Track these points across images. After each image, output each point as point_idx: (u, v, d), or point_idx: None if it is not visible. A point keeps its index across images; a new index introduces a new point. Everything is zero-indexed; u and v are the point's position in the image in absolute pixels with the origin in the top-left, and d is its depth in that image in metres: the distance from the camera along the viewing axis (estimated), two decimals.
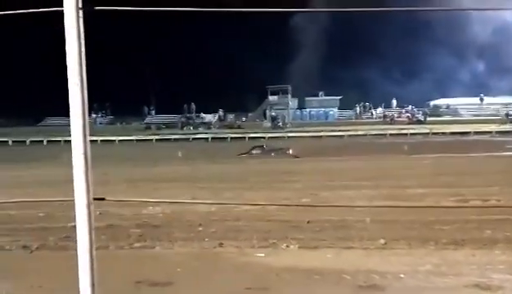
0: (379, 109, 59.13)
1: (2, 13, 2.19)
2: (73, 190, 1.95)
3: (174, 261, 6.43)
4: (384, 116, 55.32)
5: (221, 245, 7.30)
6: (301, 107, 61.02)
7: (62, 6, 1.94)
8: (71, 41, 1.91)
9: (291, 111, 57.59)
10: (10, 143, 45.58)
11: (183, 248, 7.26)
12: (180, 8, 2.26)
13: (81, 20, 1.91)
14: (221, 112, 58.17)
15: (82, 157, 1.89)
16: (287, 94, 57.18)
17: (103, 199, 1.98)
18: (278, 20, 50.52)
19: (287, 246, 7.19)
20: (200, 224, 8.62)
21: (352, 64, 56.80)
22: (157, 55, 58.15)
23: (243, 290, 5.12)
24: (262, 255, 6.70)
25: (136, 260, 6.60)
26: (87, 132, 1.91)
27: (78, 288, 1.98)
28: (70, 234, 7.49)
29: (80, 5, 1.90)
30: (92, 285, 1.95)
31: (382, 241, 7.28)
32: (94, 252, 1.94)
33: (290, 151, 29.59)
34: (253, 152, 30.42)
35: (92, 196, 1.93)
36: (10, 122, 56.16)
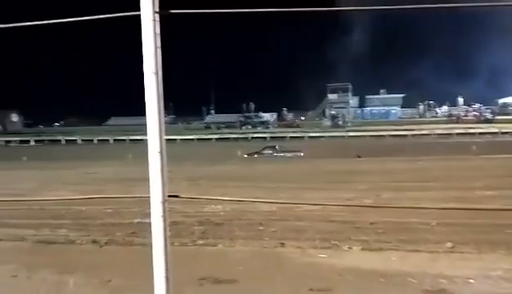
0: (444, 108, 57.15)
1: (81, 19, 2.27)
2: (148, 187, 2.00)
3: (236, 259, 6.48)
4: (450, 115, 53.44)
5: (282, 245, 7.29)
6: (362, 105, 60.03)
7: (139, 10, 1.98)
8: (148, 44, 1.95)
9: (351, 109, 56.79)
10: (79, 142, 47.84)
11: (244, 247, 7.32)
12: (248, 9, 2.27)
13: (157, 24, 1.94)
14: (284, 111, 58.22)
15: (158, 155, 1.93)
16: (347, 92, 56.44)
17: (177, 196, 2.02)
18: (339, 19, 49.88)
19: (350, 247, 7.09)
20: (261, 224, 8.67)
21: (416, 62, 55.31)
22: (217, 56, 59.08)
23: (306, 291, 5.09)
24: (325, 256, 6.63)
25: (200, 257, 6.72)
26: (163, 131, 1.94)
27: (152, 282, 2.03)
28: (136, 230, 7.76)
29: (157, 8, 1.94)
30: (167, 279, 2.00)
31: (449, 244, 7.03)
32: (169, 247, 1.99)
33: (301, 153, 30.27)
34: (265, 152, 31.24)
35: (166, 193, 1.97)
36: (78, 121, 58.98)
